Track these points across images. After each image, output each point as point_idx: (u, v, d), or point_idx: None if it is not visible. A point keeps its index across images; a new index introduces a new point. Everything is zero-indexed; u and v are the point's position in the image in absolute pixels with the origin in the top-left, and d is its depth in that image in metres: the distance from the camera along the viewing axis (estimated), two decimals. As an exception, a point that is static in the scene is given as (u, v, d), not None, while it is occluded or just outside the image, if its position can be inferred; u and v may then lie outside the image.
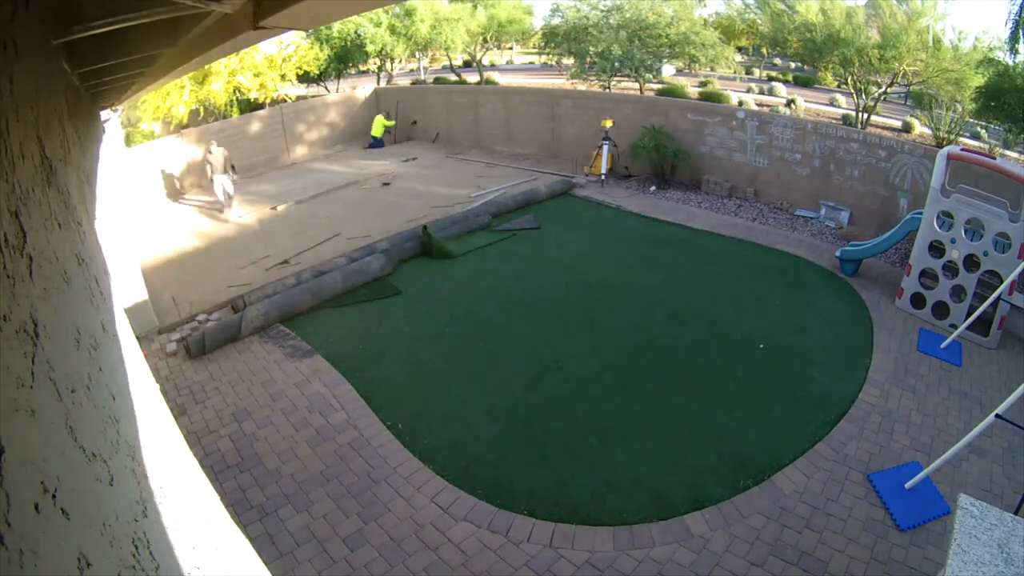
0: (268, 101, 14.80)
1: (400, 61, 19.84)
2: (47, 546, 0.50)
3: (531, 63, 34.53)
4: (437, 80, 21.42)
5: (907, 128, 13.50)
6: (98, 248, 1.92)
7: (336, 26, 16.99)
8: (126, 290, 6.26)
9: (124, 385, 1.19)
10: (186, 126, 13.38)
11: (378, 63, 19.79)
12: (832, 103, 17.31)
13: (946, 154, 6.34)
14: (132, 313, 6.16)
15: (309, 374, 5.78)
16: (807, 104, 16.45)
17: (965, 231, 6.25)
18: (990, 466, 4.52)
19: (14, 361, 0.58)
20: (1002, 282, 5.77)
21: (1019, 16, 8.66)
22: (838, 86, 16.45)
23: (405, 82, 21.64)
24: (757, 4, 15.88)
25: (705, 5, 22.04)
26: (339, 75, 19.38)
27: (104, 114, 6.03)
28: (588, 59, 14.44)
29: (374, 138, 15.22)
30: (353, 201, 11.09)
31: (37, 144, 0.98)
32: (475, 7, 19.04)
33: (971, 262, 6.22)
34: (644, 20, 13.79)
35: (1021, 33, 8.77)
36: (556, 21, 16.41)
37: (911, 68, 11.54)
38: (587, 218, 9.84)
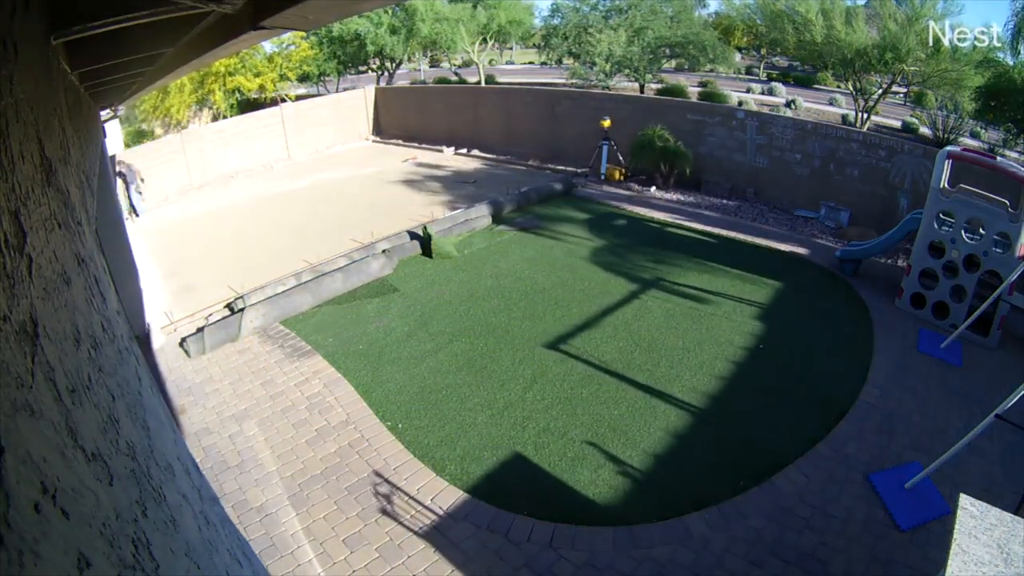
0: (268, 100, 14.86)
1: (400, 62, 19.84)
2: (47, 546, 0.50)
3: (531, 63, 34.60)
4: (437, 80, 21.43)
5: (907, 128, 13.49)
6: (98, 248, 1.92)
7: (336, 26, 17.02)
8: (126, 289, 6.26)
9: (124, 385, 1.19)
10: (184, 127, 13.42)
11: (379, 63, 19.83)
12: (832, 103, 17.33)
13: (946, 154, 6.33)
14: (132, 313, 6.16)
15: (309, 374, 5.78)
16: (807, 104, 16.45)
17: (965, 231, 6.25)
18: (990, 466, 4.52)
19: (14, 361, 0.58)
20: (1002, 282, 5.76)
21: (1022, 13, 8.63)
22: (838, 86, 16.47)
23: (405, 82, 21.66)
24: (757, 4, 15.88)
25: (706, 5, 22.09)
26: (339, 75, 19.44)
27: (104, 114, 6.04)
28: (588, 59, 14.48)
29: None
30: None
31: (37, 144, 0.98)
32: (475, 7, 19.08)
33: (971, 262, 6.22)
34: (647, 22, 13.83)
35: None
36: (556, 21, 16.46)
37: (911, 69, 11.55)
38: (587, 218, 9.84)
